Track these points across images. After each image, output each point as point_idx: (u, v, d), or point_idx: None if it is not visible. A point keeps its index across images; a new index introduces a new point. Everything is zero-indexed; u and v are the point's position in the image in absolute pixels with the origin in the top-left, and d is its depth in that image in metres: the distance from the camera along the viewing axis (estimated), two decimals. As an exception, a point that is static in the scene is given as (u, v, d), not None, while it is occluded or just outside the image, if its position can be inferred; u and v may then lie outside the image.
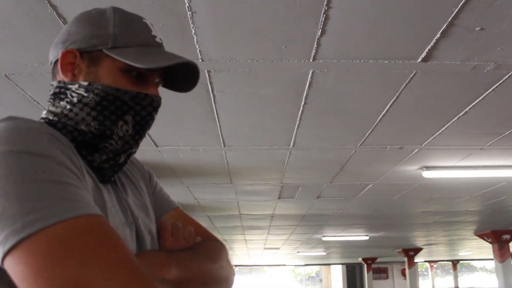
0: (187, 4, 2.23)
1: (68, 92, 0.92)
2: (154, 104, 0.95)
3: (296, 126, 4.00)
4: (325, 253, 20.09)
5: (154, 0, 2.21)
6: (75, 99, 0.91)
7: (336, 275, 28.45)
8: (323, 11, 2.29)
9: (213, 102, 3.44)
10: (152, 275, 0.76)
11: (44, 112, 0.94)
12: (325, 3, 2.23)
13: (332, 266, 29.25)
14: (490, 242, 11.68)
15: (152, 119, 0.97)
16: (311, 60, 2.79)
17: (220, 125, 3.96)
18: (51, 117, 0.92)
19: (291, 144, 4.50)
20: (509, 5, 2.27)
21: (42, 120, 0.92)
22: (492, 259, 12.25)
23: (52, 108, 0.93)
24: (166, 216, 1.10)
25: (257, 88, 3.20)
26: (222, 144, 4.49)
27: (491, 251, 11.91)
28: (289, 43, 2.60)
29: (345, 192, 7.00)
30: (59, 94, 0.93)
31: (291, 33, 2.49)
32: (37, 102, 3.40)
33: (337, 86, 3.18)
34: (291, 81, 3.10)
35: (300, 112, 3.66)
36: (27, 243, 0.62)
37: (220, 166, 5.31)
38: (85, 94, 0.90)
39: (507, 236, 11.24)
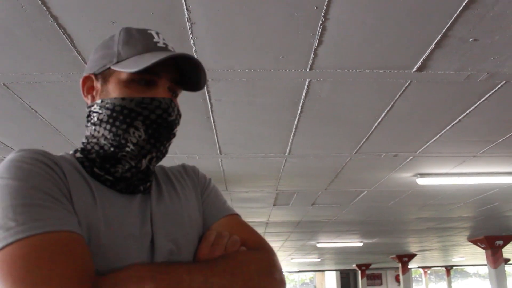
0: (186, 15, 2.27)
1: (91, 114, 1.00)
2: (162, 106, 0.96)
3: (292, 134, 4.03)
4: (319, 260, 20.10)
5: (155, 11, 2.24)
6: (95, 119, 0.99)
7: (330, 282, 28.44)
8: (320, 22, 2.33)
9: (210, 110, 3.48)
10: None
11: (84, 138, 1.03)
12: (322, 15, 2.27)
13: (326, 272, 29.23)
14: (483, 248, 11.73)
15: (165, 121, 0.97)
16: (308, 70, 2.83)
17: (216, 133, 3.99)
18: (84, 141, 1.01)
19: (287, 151, 4.53)
20: (501, 17, 2.32)
21: (82, 144, 1.02)
22: (485, 265, 12.30)
23: (86, 132, 1.02)
24: (216, 225, 1.08)
25: (254, 97, 3.23)
26: (219, 152, 4.52)
27: (484, 256, 11.97)
28: (286, 53, 2.64)
29: (340, 199, 7.03)
30: (87, 117, 1.02)
31: (288, 43, 2.53)
32: (34, 110, 3.41)
33: (333, 95, 3.22)
34: (288, 90, 3.14)
35: (296, 120, 3.69)
36: None
37: (216, 174, 5.33)
38: (100, 111, 0.98)
39: (500, 242, 11.30)
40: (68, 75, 2.87)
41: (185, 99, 3.26)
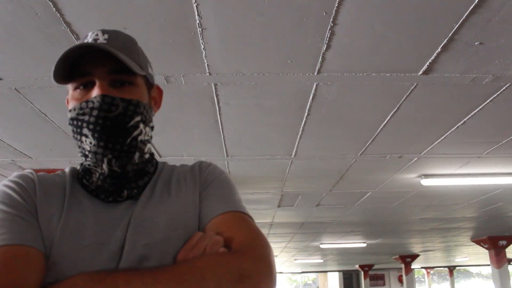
0: (197, 21, 2.31)
1: None
2: (95, 106, 0.93)
3: (299, 136, 4.07)
4: (322, 261, 20.10)
5: (166, 17, 2.28)
6: None
7: (333, 282, 28.43)
8: (329, 27, 2.38)
9: (218, 113, 3.52)
10: None
11: None
12: (331, 20, 2.31)
13: (329, 273, 29.23)
14: (486, 248, 11.74)
15: (107, 118, 0.94)
16: (315, 74, 2.88)
17: (224, 136, 4.03)
18: None
19: (293, 153, 4.57)
20: (507, 21, 2.36)
21: None
22: (488, 265, 12.31)
23: None
24: (211, 223, 0.99)
25: (262, 100, 3.27)
26: (225, 154, 4.56)
27: (487, 257, 11.97)
28: (295, 58, 2.68)
29: (344, 200, 7.07)
30: None
31: (297, 48, 2.57)
32: (44, 114, 3.46)
33: (340, 98, 3.26)
34: (295, 93, 3.18)
35: (303, 123, 3.74)
36: None
37: (222, 176, 5.36)
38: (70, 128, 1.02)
39: (504, 242, 11.31)
40: (79, 80, 2.91)
41: (193, 103, 3.30)
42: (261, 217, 8.50)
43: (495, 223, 9.69)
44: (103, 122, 0.93)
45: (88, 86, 0.96)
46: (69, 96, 0.99)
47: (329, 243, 13.20)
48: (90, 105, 0.93)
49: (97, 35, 0.98)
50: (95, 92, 0.94)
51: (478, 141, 4.34)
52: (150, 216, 0.97)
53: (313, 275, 33.51)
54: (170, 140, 4.16)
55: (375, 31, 2.44)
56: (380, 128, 3.91)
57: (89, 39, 0.98)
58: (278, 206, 7.47)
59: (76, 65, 0.95)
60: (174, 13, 2.25)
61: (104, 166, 0.96)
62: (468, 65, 2.82)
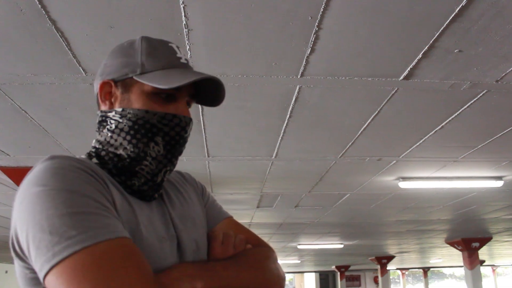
0: (184, 22, 2.32)
1: (108, 120, 1.02)
2: (181, 124, 1.00)
3: (280, 138, 4.11)
4: (299, 261, 20.23)
5: (153, 17, 2.28)
6: (113, 126, 1.00)
7: (310, 283, 28.61)
8: (313, 31, 2.41)
9: (201, 114, 3.53)
10: None
11: (93, 141, 1.05)
12: (316, 24, 2.35)
13: (305, 273, 29.40)
14: (460, 250, 11.99)
15: (182, 138, 1.02)
16: (299, 76, 2.91)
17: (206, 136, 4.04)
18: (97, 146, 1.03)
19: (274, 155, 4.61)
20: (485, 30, 2.44)
21: (93, 148, 1.04)
22: (461, 266, 12.56)
23: (98, 137, 1.04)
24: (218, 226, 1.16)
25: (245, 101, 3.30)
26: (206, 155, 4.57)
27: (460, 258, 12.22)
28: (279, 60, 2.71)
29: (323, 201, 7.14)
30: (102, 122, 1.03)
31: (282, 51, 2.60)
32: (25, 111, 3.41)
33: (322, 101, 3.31)
34: (278, 96, 3.21)
35: (284, 125, 3.77)
36: (56, 269, 0.76)
37: (202, 176, 5.37)
38: (120, 120, 1.00)
39: (477, 244, 11.57)
40: (62, 77, 2.89)
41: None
42: (239, 218, 8.52)
43: (468, 226, 9.90)
44: (179, 139, 1.02)
45: (168, 97, 1.00)
46: (142, 94, 0.99)
47: (307, 244, 13.30)
48: (176, 121, 1.00)
49: (184, 54, 1.07)
50: (181, 111, 1.01)
51: (455, 146, 4.45)
52: (183, 214, 1.08)
53: (289, 276, 33.63)
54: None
55: (359, 37, 2.49)
56: (360, 131, 3.97)
57: (182, 58, 1.05)
58: (257, 207, 7.50)
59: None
60: (161, 13, 2.25)
61: (160, 175, 1.02)
62: (448, 71, 2.89)
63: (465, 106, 3.47)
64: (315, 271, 27.37)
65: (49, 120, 3.61)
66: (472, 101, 3.37)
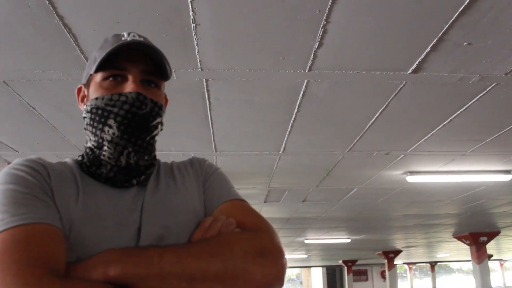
0: (191, 17, 2.32)
1: (84, 120, 1.07)
2: (129, 101, 0.99)
3: (288, 133, 4.10)
4: (306, 256, 20.25)
5: (160, 12, 2.28)
6: (85, 124, 1.07)
7: (317, 278, 28.64)
8: (321, 25, 2.40)
9: (208, 109, 3.53)
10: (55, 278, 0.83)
11: None
12: (324, 18, 2.34)
13: (312, 268, 29.43)
14: (468, 244, 11.94)
15: (136, 114, 1.00)
16: (306, 71, 2.90)
17: (213, 131, 4.04)
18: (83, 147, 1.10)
19: (281, 149, 4.60)
20: (494, 23, 2.41)
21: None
22: (469, 261, 12.52)
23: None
24: (217, 210, 1.08)
25: (252, 96, 3.29)
26: (214, 150, 4.57)
27: (468, 252, 12.18)
28: (287, 54, 2.70)
29: (330, 196, 7.13)
30: (84, 125, 1.09)
31: (289, 45, 2.59)
32: (33, 107, 3.43)
33: (330, 95, 3.30)
34: (286, 90, 3.20)
35: (292, 119, 3.76)
36: None
37: (210, 171, 5.37)
38: (85, 116, 1.05)
39: (485, 238, 11.52)
40: (70, 74, 2.90)
41: (184, 98, 3.31)
42: (247, 213, 8.52)
43: (476, 220, 9.86)
44: (132, 117, 1.00)
45: (118, 79, 1.02)
46: (95, 84, 1.04)
47: (314, 239, 13.30)
48: (123, 98, 0.99)
49: (134, 36, 1.05)
50: (129, 88, 1.00)
51: (463, 139, 4.42)
52: (161, 201, 1.04)
53: (296, 270, 33.70)
54: (159, 136, 4.15)
55: (367, 30, 2.47)
56: (368, 126, 3.95)
57: (128, 38, 1.04)
58: (265, 202, 7.50)
59: (110, 57, 1.01)
60: (168, 8, 2.25)
61: (122, 158, 1.01)
62: (456, 64, 2.87)
63: (474, 100, 3.44)
64: (322, 266, 27.38)
65: (57, 116, 3.63)
66: (481, 94, 3.35)
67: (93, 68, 1.00)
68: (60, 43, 2.56)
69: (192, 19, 2.34)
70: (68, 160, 1.07)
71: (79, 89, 1.11)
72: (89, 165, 1.03)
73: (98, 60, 0.99)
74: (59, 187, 0.96)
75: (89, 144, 1.05)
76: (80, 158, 1.07)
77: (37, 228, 0.86)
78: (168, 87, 3.17)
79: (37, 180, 0.94)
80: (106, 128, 1.00)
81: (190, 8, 2.25)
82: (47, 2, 2.18)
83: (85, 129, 1.06)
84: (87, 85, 1.07)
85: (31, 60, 2.74)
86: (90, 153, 1.04)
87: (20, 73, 2.89)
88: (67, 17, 2.32)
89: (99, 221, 0.94)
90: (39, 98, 3.28)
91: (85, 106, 1.05)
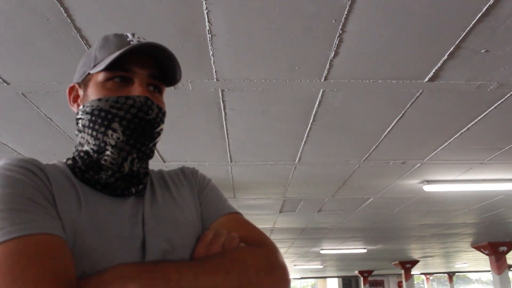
0: (207, 28, 2.33)
1: (78, 121, 1.00)
2: (137, 105, 0.95)
3: (303, 142, 4.09)
4: (321, 266, 20.09)
5: (176, 23, 2.30)
6: (80, 125, 0.99)
7: (332, 288, 28.39)
8: (337, 34, 2.39)
9: (224, 119, 3.53)
10: None
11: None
12: (340, 27, 2.33)
13: (328, 279, 29.19)
14: (487, 254, 11.75)
15: (143, 120, 0.96)
16: (322, 80, 2.89)
17: (228, 141, 4.05)
18: (75, 149, 1.01)
19: (297, 159, 4.59)
20: (513, 29, 2.38)
21: (73, 152, 1.02)
22: (488, 271, 12.32)
23: (76, 141, 1.02)
24: (215, 223, 1.05)
25: (268, 106, 3.29)
26: (229, 160, 4.57)
27: (487, 263, 11.97)
28: (302, 64, 2.70)
29: (346, 205, 7.08)
30: (76, 126, 1.02)
31: (305, 55, 2.59)
32: (50, 119, 3.47)
33: (346, 104, 3.28)
34: (301, 100, 3.20)
35: (308, 129, 3.75)
36: None
37: (225, 181, 5.38)
38: (83, 117, 0.98)
39: (504, 248, 11.32)
40: (87, 85, 2.92)
41: (200, 109, 3.32)
42: (262, 223, 8.51)
43: (495, 229, 9.70)
44: (138, 122, 0.95)
45: (124, 82, 0.97)
46: (96, 84, 0.98)
47: (330, 249, 13.19)
48: (130, 102, 0.95)
49: (139, 38, 1.02)
50: (137, 91, 0.96)
51: (481, 148, 4.36)
52: (161, 213, 0.99)
53: (312, 281, 33.45)
54: (174, 146, 4.17)
55: (383, 39, 2.46)
56: (384, 135, 3.92)
57: (133, 39, 1.00)
58: (280, 212, 7.48)
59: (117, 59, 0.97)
60: (184, 19, 2.26)
61: (126, 164, 0.96)
62: (474, 72, 2.84)
63: (492, 107, 3.40)
64: (338, 276, 27.15)
65: (73, 128, 3.65)
66: (499, 102, 3.30)
67: (99, 68, 0.95)
68: (77, 55, 2.58)
69: (208, 30, 2.35)
70: (56, 162, 0.99)
71: (71, 88, 1.04)
72: (85, 169, 0.96)
73: (108, 61, 0.93)
74: (60, 193, 0.89)
75: (86, 148, 0.97)
76: (71, 162, 0.98)
77: (45, 239, 0.79)
78: (184, 97, 3.20)
79: (37, 184, 0.86)
80: (110, 132, 0.94)
81: (206, 19, 2.26)
82: (65, 15, 2.21)
83: (80, 131, 0.99)
84: (83, 84, 1.01)
85: (49, 72, 2.77)
86: (85, 157, 0.97)
87: (38, 85, 2.93)
88: (84, 30, 2.35)
89: (104, 232, 0.89)
90: (56, 110, 3.32)
91: (82, 107, 0.98)
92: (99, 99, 0.95)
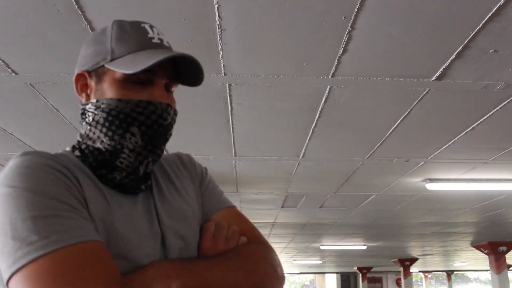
0: (217, 22, 2.33)
1: (86, 113, 0.97)
2: (158, 112, 0.93)
3: (308, 138, 4.10)
4: (321, 262, 20.14)
5: (187, 17, 2.30)
6: (90, 118, 0.95)
7: (331, 284, 28.47)
8: (347, 32, 2.40)
9: (230, 114, 3.54)
10: None
11: (78, 134, 1.00)
12: (350, 24, 2.34)
13: (326, 274, 29.26)
14: (486, 254, 11.78)
15: (161, 126, 0.95)
16: (330, 77, 2.90)
17: (234, 136, 4.06)
18: (79, 139, 0.98)
19: (301, 155, 4.60)
20: (523, 29, 2.39)
21: (77, 141, 0.99)
22: (487, 270, 12.35)
23: (81, 130, 0.99)
24: (215, 216, 1.08)
25: (274, 101, 3.30)
26: (234, 154, 4.59)
27: (486, 262, 12.01)
28: (311, 61, 2.71)
29: (348, 202, 7.10)
30: (82, 115, 0.98)
31: (314, 51, 2.60)
32: (57, 110, 3.48)
33: (352, 102, 3.29)
34: (308, 96, 3.21)
35: (313, 125, 3.76)
36: (16, 276, 0.74)
37: (229, 175, 5.40)
38: (96, 112, 0.94)
39: (504, 248, 11.35)
40: (95, 77, 2.93)
41: (206, 103, 3.33)
42: (263, 217, 8.54)
43: (496, 229, 9.72)
44: (158, 128, 0.95)
45: (146, 83, 0.94)
46: (113, 81, 0.93)
47: (330, 245, 13.23)
48: (152, 108, 0.93)
49: (159, 34, 0.99)
50: (158, 96, 0.94)
51: (486, 147, 4.37)
52: (171, 208, 1.01)
53: (311, 276, 33.54)
54: (179, 139, 4.18)
55: (392, 37, 2.46)
56: (389, 132, 3.93)
57: (154, 36, 0.97)
58: (282, 207, 7.50)
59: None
60: (195, 13, 2.27)
61: (141, 168, 0.96)
62: (481, 72, 2.85)
63: (498, 107, 3.41)
64: (336, 272, 27.22)
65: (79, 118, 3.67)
66: (506, 102, 3.31)
67: (124, 69, 0.89)
68: (87, 47, 2.59)
69: (218, 24, 2.36)
70: (64, 153, 0.96)
71: (79, 76, 0.98)
72: (96, 166, 0.94)
73: (140, 67, 0.88)
74: (90, 194, 0.87)
75: (98, 145, 0.94)
76: (79, 153, 0.96)
77: (89, 246, 0.79)
78: (191, 91, 3.20)
79: (67, 185, 0.84)
80: (128, 135, 0.92)
81: (217, 14, 2.26)
82: (76, 6, 2.22)
83: (90, 125, 0.95)
84: (96, 75, 0.95)
85: (58, 63, 2.78)
86: (97, 153, 0.94)
87: (46, 76, 2.94)
88: (95, 21, 2.36)
89: (132, 231, 0.90)
90: (63, 100, 3.33)
91: (95, 101, 0.94)
92: (119, 100, 0.92)
